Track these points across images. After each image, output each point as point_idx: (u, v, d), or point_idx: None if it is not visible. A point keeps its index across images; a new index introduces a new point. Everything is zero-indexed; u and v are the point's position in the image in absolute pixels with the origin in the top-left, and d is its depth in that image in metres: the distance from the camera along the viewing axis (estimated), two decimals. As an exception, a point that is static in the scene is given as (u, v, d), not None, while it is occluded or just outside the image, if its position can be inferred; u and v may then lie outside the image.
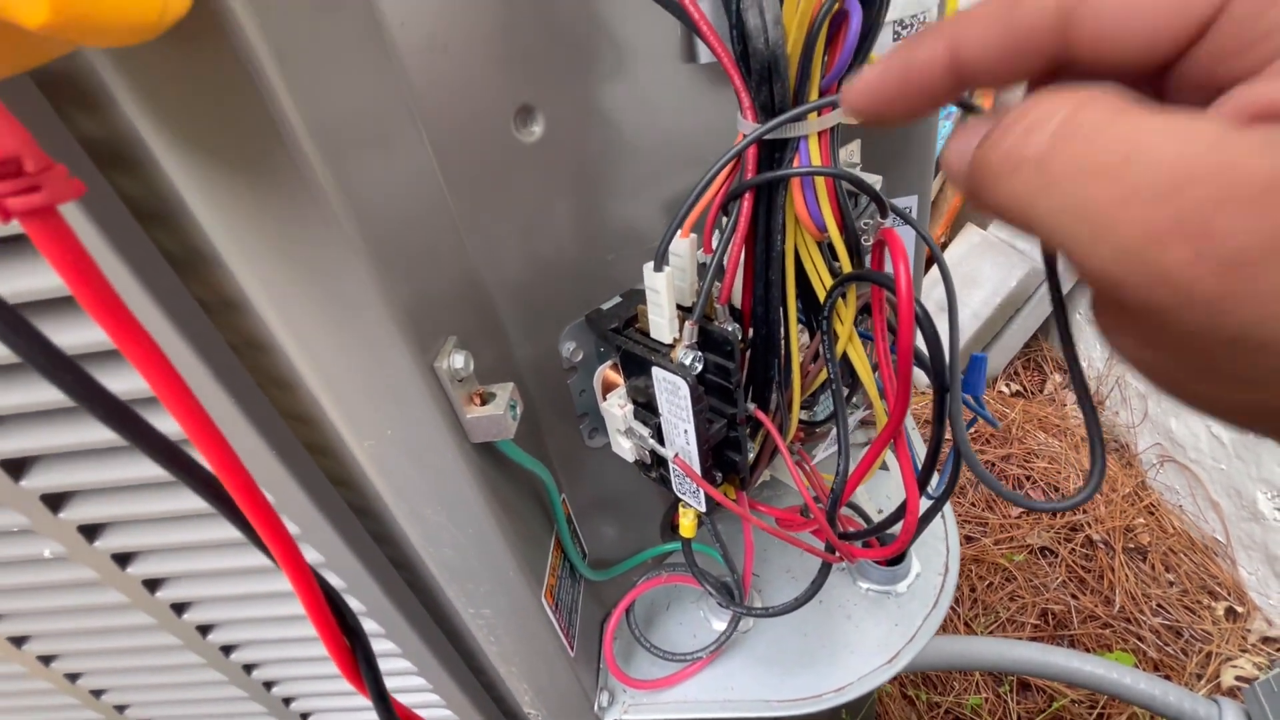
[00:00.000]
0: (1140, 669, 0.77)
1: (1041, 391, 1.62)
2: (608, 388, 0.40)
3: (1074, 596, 1.21)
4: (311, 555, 0.34)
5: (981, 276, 1.66)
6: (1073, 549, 1.27)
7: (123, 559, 0.37)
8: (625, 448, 0.38)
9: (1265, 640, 1.14)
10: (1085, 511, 1.31)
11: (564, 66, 0.32)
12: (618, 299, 0.40)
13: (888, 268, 0.30)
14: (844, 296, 0.34)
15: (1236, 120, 0.12)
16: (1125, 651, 1.14)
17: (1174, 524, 1.29)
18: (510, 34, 0.30)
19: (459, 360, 0.27)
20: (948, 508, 0.57)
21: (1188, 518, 1.29)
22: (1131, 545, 1.27)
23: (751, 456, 0.41)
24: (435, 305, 0.28)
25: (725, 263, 0.32)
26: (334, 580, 0.36)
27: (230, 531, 0.19)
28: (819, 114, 0.28)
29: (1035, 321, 1.67)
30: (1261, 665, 1.11)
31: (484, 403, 0.29)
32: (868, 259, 0.33)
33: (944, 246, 1.82)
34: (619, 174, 0.37)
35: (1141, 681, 0.73)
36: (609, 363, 0.40)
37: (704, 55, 0.37)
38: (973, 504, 1.39)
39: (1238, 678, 1.09)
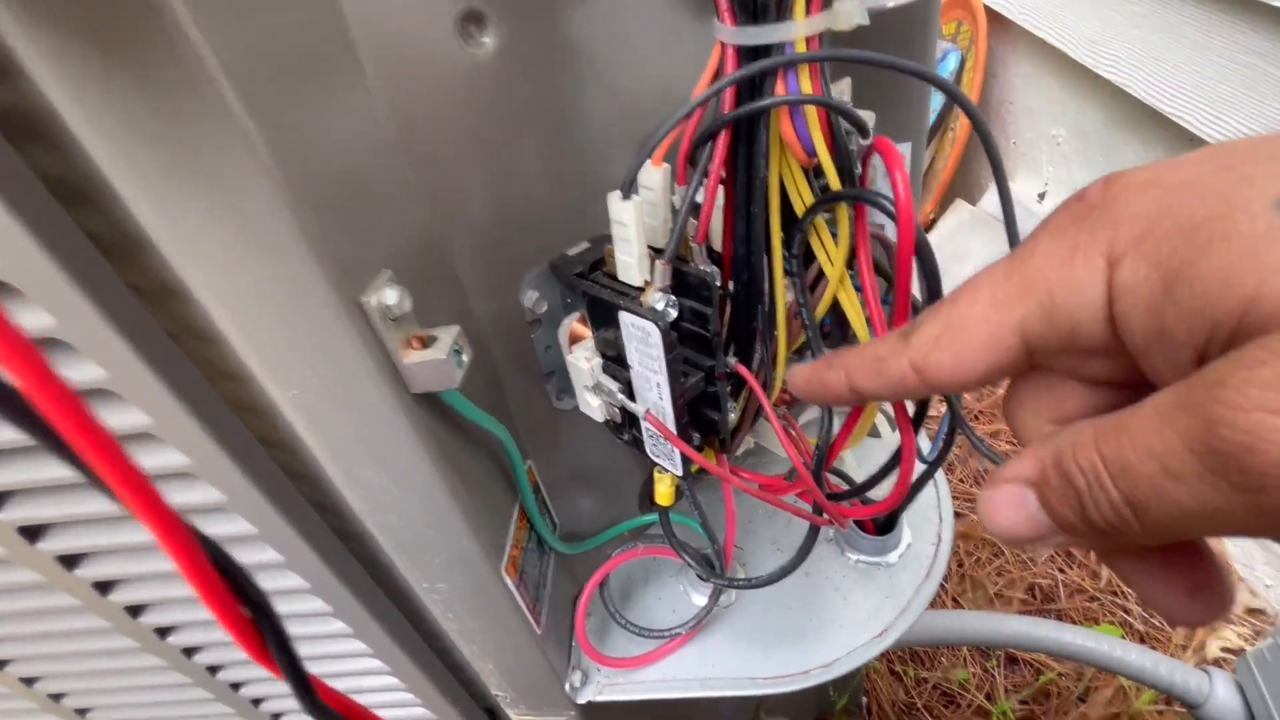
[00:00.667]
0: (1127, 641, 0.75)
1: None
2: (575, 341, 0.36)
3: (1061, 570, 1.20)
4: (240, 526, 0.30)
5: (970, 252, 1.63)
6: (1060, 523, 1.26)
7: (69, 561, 0.33)
8: (594, 406, 0.34)
9: (1250, 611, 1.13)
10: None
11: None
12: (585, 244, 0.36)
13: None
14: (834, 232, 0.31)
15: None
16: (1112, 624, 1.14)
17: (1161, 498, 1.28)
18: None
19: (391, 295, 0.24)
20: (940, 476, 0.54)
21: (1175, 491, 1.29)
22: (1119, 519, 1.25)
23: (734, 417, 0.38)
24: (367, 238, 0.25)
25: (701, 197, 0.29)
26: (269, 555, 0.32)
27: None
28: (807, 13, 0.25)
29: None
30: (1246, 636, 1.11)
31: (424, 347, 0.25)
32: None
33: (933, 223, 1.79)
34: (586, 102, 0.33)
35: (1132, 653, 0.72)
36: (576, 314, 0.36)
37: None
38: (960, 479, 1.37)
39: (1223, 649, 1.09)
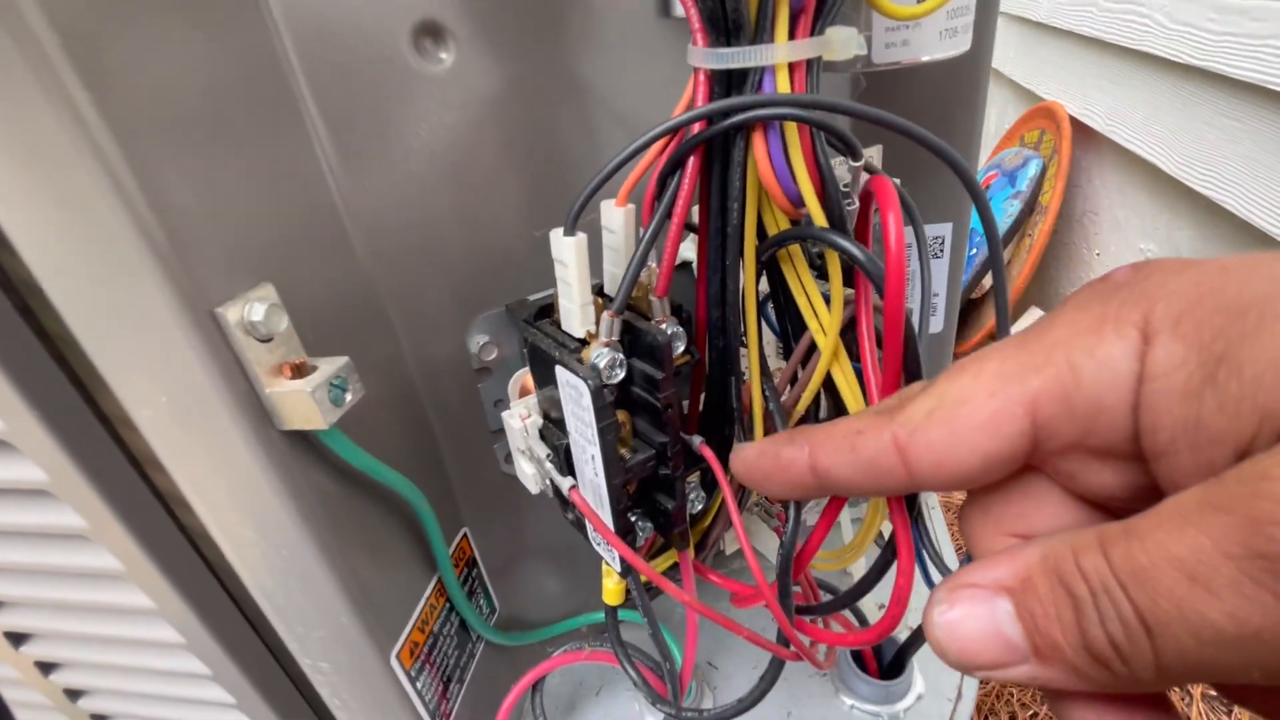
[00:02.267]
0: None
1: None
2: (525, 397, 0.32)
3: None
4: (105, 560, 0.27)
5: (1044, 364, 1.51)
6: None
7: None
8: (528, 474, 0.29)
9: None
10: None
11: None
12: (551, 291, 0.32)
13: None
14: (828, 299, 0.26)
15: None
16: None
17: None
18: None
19: (258, 311, 0.20)
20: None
21: None
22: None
23: (704, 509, 0.32)
24: (247, 246, 0.22)
25: (663, 242, 0.25)
26: (140, 598, 0.28)
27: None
28: (791, 36, 0.21)
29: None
30: None
31: (299, 376, 0.21)
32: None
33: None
34: (558, 133, 0.30)
35: None
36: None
37: (679, 8, 0.31)
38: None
39: None
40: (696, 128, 0.22)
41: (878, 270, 0.21)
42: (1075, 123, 1.40)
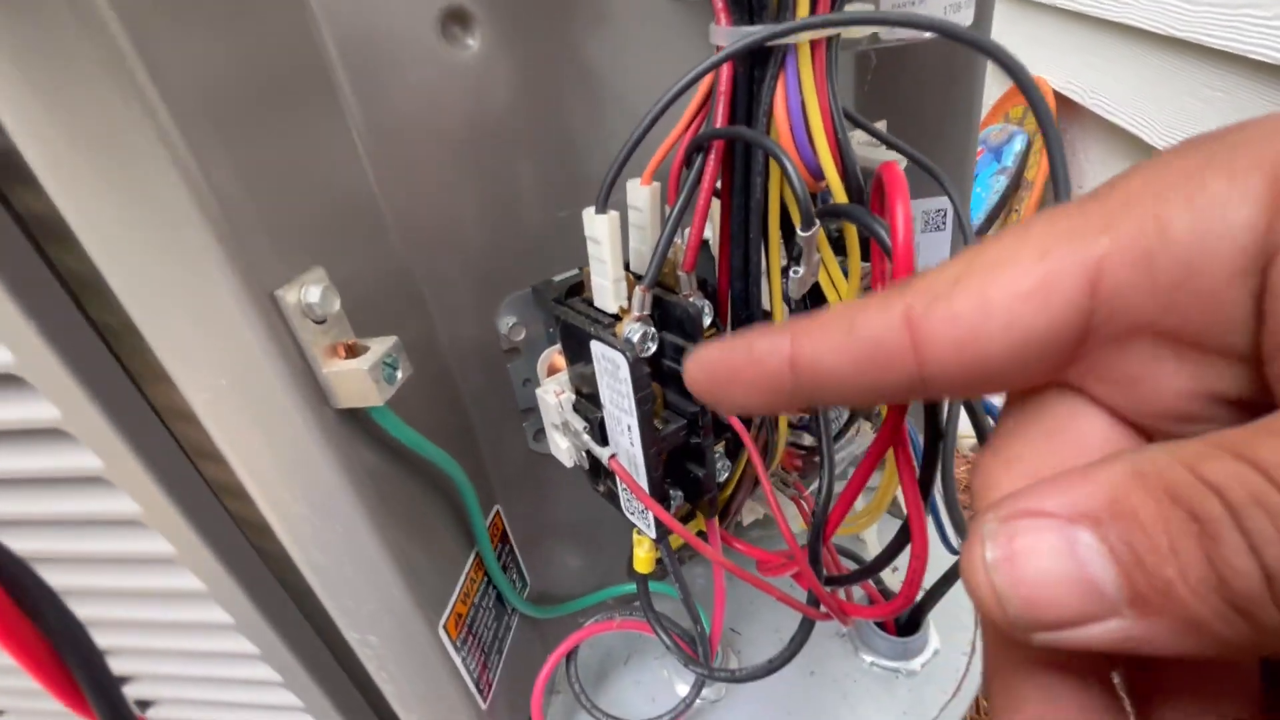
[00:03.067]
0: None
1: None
2: (554, 375, 0.33)
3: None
4: (158, 545, 0.27)
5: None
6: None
7: None
8: (562, 448, 0.31)
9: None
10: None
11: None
12: (575, 271, 0.33)
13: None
14: (844, 269, 0.27)
15: None
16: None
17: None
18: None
19: (314, 293, 0.21)
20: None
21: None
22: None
23: (727, 477, 0.33)
24: (299, 231, 0.22)
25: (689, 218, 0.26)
26: (193, 582, 0.29)
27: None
28: (811, 12, 0.22)
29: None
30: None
31: (352, 356, 0.22)
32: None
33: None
34: (583, 116, 0.31)
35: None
36: (558, 346, 0.33)
37: (693, -10, 0.32)
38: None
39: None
40: (724, 81, 0.23)
41: (894, 255, 0.22)
42: (1059, 97, 1.41)
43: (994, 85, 1.74)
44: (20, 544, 0.27)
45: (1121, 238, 0.10)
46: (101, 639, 0.33)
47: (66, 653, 0.15)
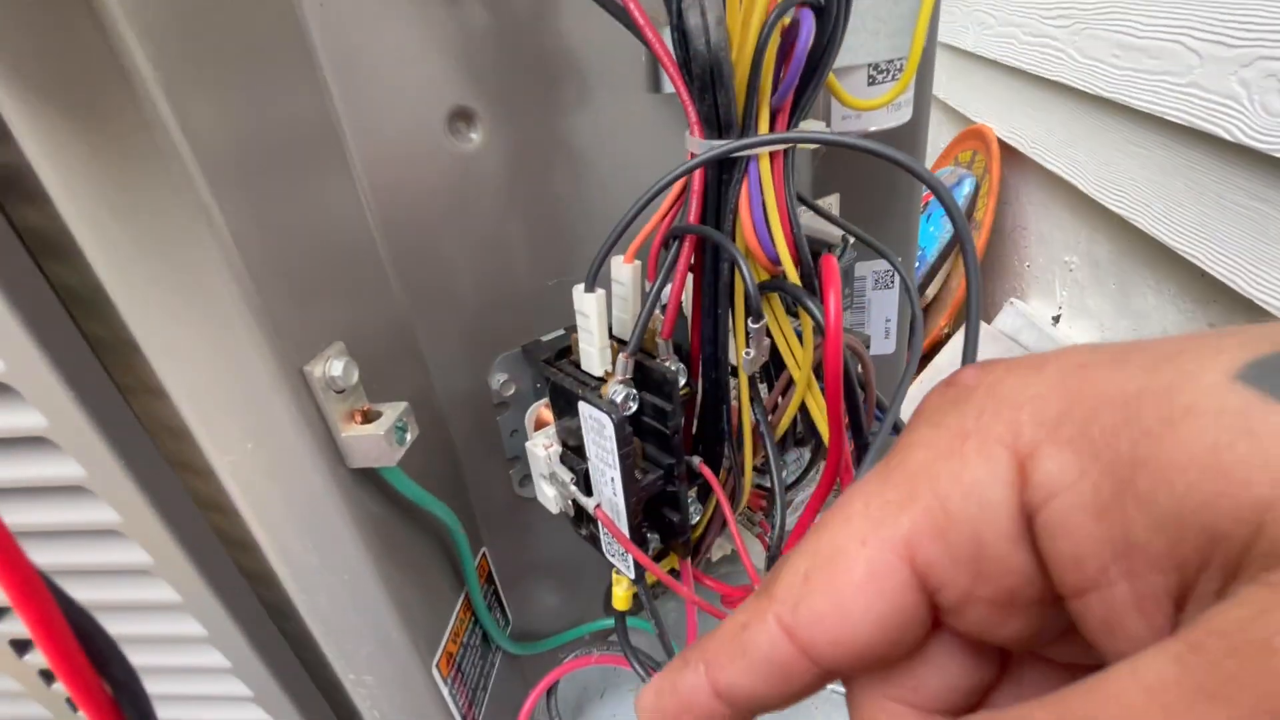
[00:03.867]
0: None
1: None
2: (540, 428, 0.36)
3: None
4: (166, 593, 0.29)
5: (985, 369, 1.62)
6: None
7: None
8: (549, 496, 0.33)
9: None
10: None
11: (511, 73, 0.30)
12: (561, 332, 0.36)
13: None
14: (801, 336, 0.31)
15: None
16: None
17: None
18: (449, 31, 0.28)
19: (337, 367, 0.24)
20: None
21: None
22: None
23: (698, 519, 0.36)
24: (323, 310, 0.25)
25: (667, 294, 0.29)
26: (192, 626, 0.31)
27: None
28: (771, 129, 0.26)
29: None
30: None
31: (367, 421, 0.25)
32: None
33: (947, 338, 1.79)
34: (570, 198, 0.34)
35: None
36: (544, 400, 0.36)
37: (668, 86, 0.36)
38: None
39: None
40: (697, 182, 0.27)
41: (825, 338, 0.26)
42: (1003, 144, 1.52)
43: (944, 130, 1.85)
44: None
45: (918, 517, 0.11)
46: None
47: (126, 707, 0.17)
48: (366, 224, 0.28)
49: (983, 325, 1.69)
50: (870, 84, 0.37)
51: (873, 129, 0.38)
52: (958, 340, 1.73)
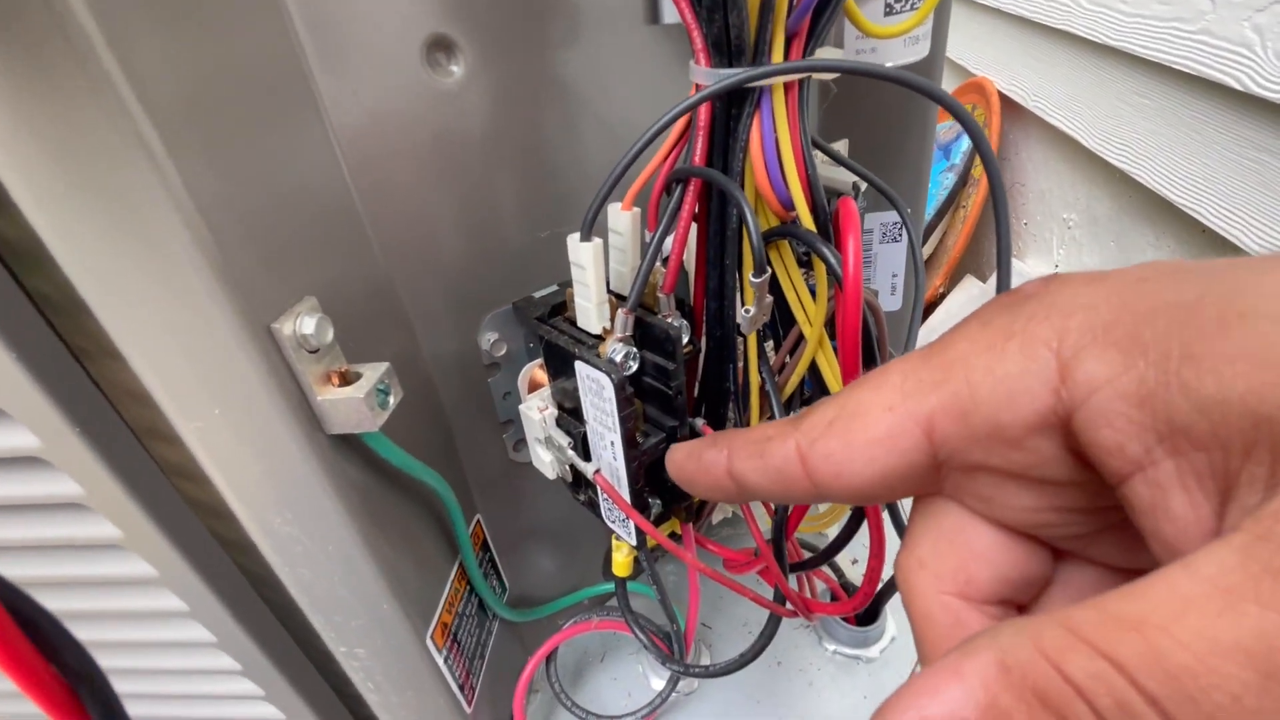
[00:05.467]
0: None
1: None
2: (534, 390, 0.34)
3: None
4: (139, 567, 0.27)
5: (979, 328, 1.61)
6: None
7: None
8: (545, 461, 0.32)
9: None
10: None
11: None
12: (554, 287, 0.34)
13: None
14: (813, 291, 0.29)
15: None
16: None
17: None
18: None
19: (308, 324, 0.21)
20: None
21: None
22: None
23: (701, 485, 0.35)
24: (292, 263, 0.23)
25: (669, 245, 0.27)
26: (173, 601, 0.29)
27: None
28: (785, 58, 0.23)
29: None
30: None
31: (345, 383, 0.23)
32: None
33: (941, 297, 1.78)
34: (562, 140, 0.31)
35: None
36: (538, 361, 0.34)
37: (669, 14, 0.33)
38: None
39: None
40: (703, 118, 0.24)
41: (844, 285, 0.24)
42: (1003, 98, 1.47)
43: (945, 86, 1.80)
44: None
45: (945, 398, 0.13)
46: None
47: (85, 697, 0.15)
48: (339, 170, 0.25)
49: (977, 284, 1.67)
50: (887, 14, 0.34)
51: (888, 64, 0.35)
52: (952, 299, 1.71)
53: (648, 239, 0.29)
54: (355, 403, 0.22)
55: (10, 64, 0.16)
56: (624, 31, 0.31)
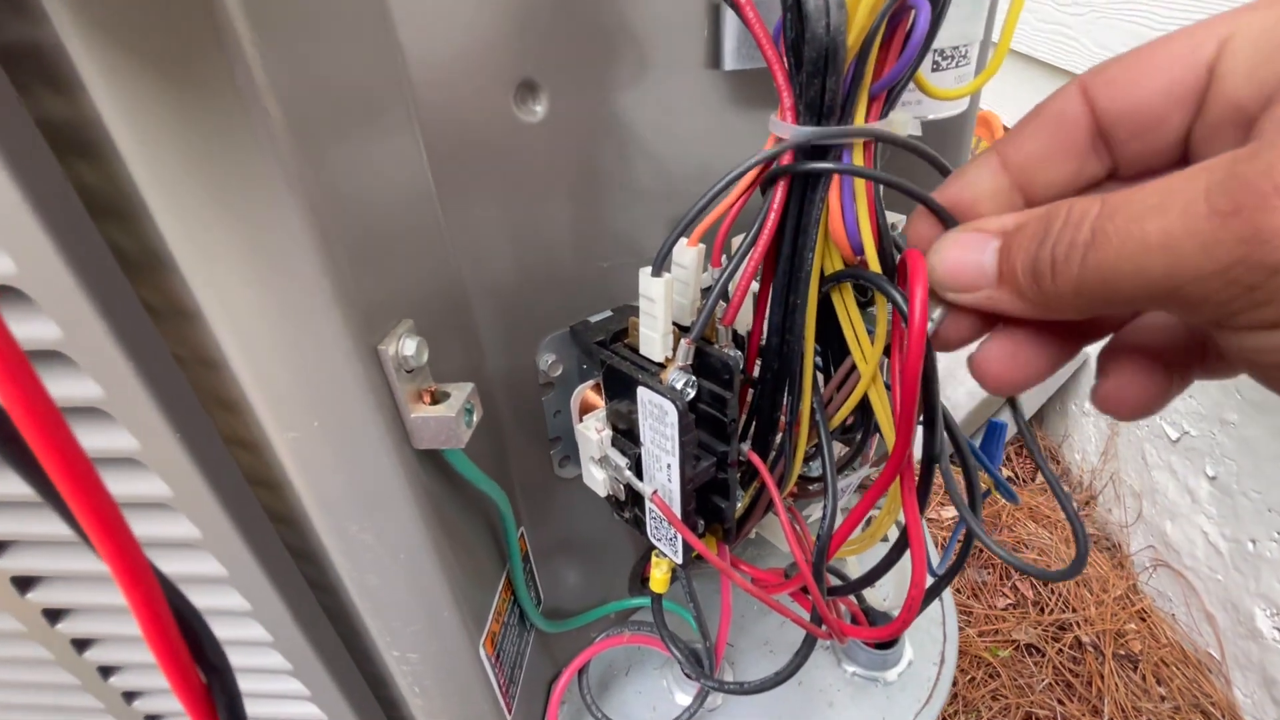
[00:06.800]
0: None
1: (1034, 480, 1.57)
2: (586, 410, 0.35)
3: (1060, 702, 1.13)
4: (211, 566, 0.28)
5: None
6: (1060, 649, 1.20)
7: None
8: (598, 479, 0.33)
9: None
10: (1075, 610, 1.25)
11: (574, 44, 0.29)
12: (609, 313, 0.35)
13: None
14: (871, 331, 0.30)
15: None
16: (1110, 767, 1.06)
17: (1167, 634, 1.23)
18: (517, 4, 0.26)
19: (409, 346, 0.23)
20: (947, 592, 0.52)
21: (1181, 629, 1.23)
22: (1122, 652, 1.20)
23: (741, 507, 0.36)
24: (393, 285, 0.24)
25: (735, 281, 0.28)
26: (236, 600, 0.30)
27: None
28: (867, 118, 0.25)
29: (1031, 407, 1.64)
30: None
31: (435, 402, 0.24)
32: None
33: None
34: (625, 175, 0.33)
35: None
36: (591, 382, 0.35)
37: (729, 61, 0.34)
38: (957, 590, 1.32)
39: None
40: (778, 191, 0.26)
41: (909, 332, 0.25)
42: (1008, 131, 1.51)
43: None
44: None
45: (1223, 50, 0.15)
46: (104, 654, 0.34)
47: (216, 693, 0.16)
48: (430, 194, 0.27)
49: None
50: (934, 70, 0.36)
51: (930, 116, 0.37)
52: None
53: (706, 272, 0.30)
54: (447, 420, 0.23)
55: (162, 81, 0.17)
56: (686, 75, 0.33)
